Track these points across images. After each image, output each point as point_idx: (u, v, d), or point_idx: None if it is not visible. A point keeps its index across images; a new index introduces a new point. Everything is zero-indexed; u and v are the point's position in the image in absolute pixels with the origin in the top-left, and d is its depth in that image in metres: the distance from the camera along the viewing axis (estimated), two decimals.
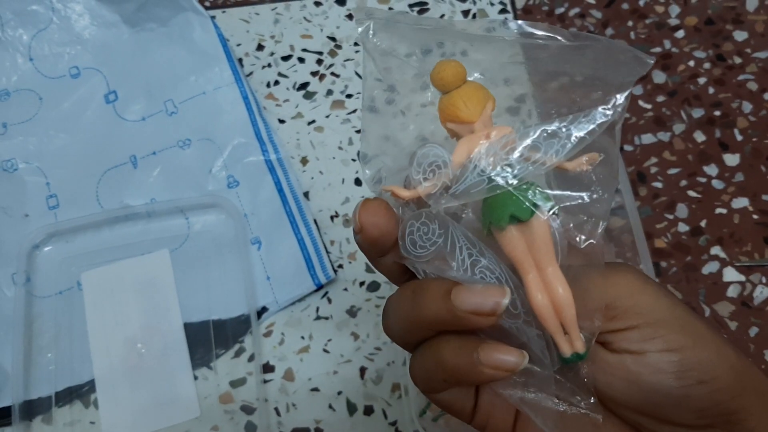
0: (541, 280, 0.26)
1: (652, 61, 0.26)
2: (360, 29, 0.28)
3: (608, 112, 0.26)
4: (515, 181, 0.25)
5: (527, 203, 0.25)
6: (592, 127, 0.26)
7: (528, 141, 0.26)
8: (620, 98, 0.26)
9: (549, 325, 0.26)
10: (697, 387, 0.26)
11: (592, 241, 0.26)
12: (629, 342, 0.26)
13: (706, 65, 0.63)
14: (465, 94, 0.27)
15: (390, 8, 0.66)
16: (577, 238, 0.26)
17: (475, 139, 0.26)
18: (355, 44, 0.64)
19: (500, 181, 0.25)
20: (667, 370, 0.26)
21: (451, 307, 0.25)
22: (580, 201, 0.26)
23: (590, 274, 0.26)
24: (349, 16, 0.66)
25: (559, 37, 0.27)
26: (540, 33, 0.27)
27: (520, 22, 0.27)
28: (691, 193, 0.57)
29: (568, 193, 0.26)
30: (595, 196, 0.26)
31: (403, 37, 0.29)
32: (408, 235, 0.27)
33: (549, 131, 0.26)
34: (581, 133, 0.25)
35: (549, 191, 0.26)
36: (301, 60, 0.64)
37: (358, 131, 0.60)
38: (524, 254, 0.26)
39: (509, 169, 0.25)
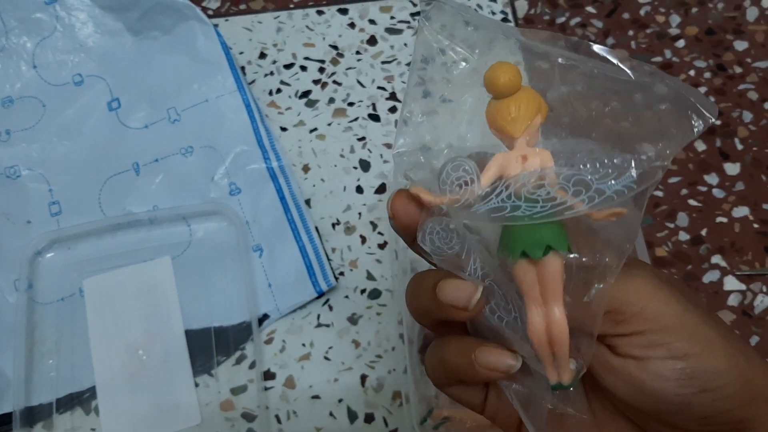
0: (543, 311, 0.26)
1: (713, 118, 0.25)
2: (417, 35, 0.28)
3: (642, 178, 0.25)
4: (536, 218, 0.25)
5: (541, 243, 0.25)
6: (622, 189, 0.25)
7: (559, 181, 0.25)
8: (663, 163, 0.25)
9: (540, 353, 0.26)
10: (700, 395, 0.26)
11: (601, 285, 0.26)
12: (633, 347, 0.26)
13: (707, 75, 0.63)
14: (514, 106, 0.26)
15: (392, 17, 0.66)
16: (588, 289, 0.26)
17: (509, 160, 0.26)
18: (357, 53, 0.65)
19: (521, 213, 0.25)
20: (669, 377, 0.26)
21: (436, 299, 0.27)
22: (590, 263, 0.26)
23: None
24: (351, 25, 0.66)
25: (623, 67, 0.26)
26: (611, 59, 0.26)
27: (596, 47, 0.27)
28: (692, 202, 0.58)
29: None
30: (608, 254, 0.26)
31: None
32: (428, 234, 0.27)
33: (579, 179, 0.25)
34: (610, 192, 0.25)
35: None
36: (304, 68, 0.64)
37: (360, 139, 0.61)
38: (531, 286, 0.26)
39: (533, 205, 0.25)
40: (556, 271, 0.25)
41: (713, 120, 0.26)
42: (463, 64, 0.28)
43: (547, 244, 0.25)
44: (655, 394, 0.26)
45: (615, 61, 0.26)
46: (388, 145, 0.60)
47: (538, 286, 0.26)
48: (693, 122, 0.26)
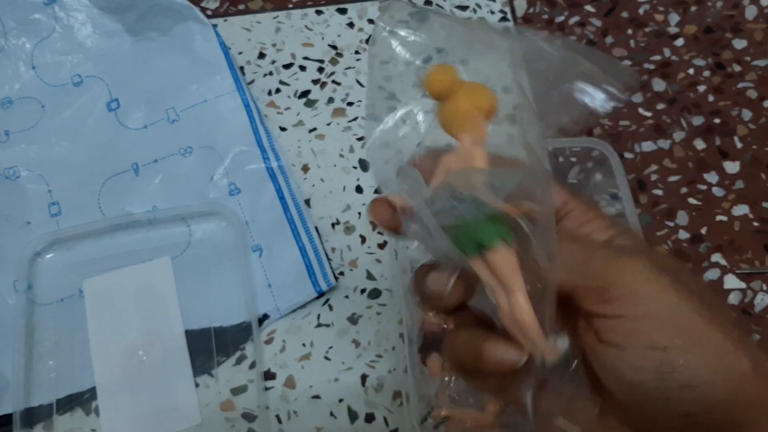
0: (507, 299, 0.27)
1: (626, 97, 0.27)
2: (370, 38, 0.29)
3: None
4: (469, 218, 0.26)
5: (477, 239, 0.26)
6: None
7: (482, 178, 0.26)
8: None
9: (516, 335, 0.27)
10: (680, 390, 0.24)
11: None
12: (615, 334, 0.25)
13: (706, 73, 0.63)
14: (453, 108, 0.27)
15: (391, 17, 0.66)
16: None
17: (450, 162, 0.27)
18: (356, 52, 0.65)
19: (457, 213, 0.26)
20: (647, 368, 0.25)
21: (426, 289, 0.29)
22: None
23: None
24: (350, 25, 0.66)
25: (546, 47, 0.27)
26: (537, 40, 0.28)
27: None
28: (692, 201, 0.58)
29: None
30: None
31: (405, 44, 0.29)
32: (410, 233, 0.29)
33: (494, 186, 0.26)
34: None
35: (523, 221, 0.26)
36: (303, 68, 0.64)
37: (359, 139, 0.61)
38: (490, 278, 0.27)
39: (466, 205, 0.26)
40: (508, 261, 0.26)
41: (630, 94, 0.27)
42: (410, 79, 0.29)
43: (478, 241, 0.26)
44: (633, 385, 0.25)
45: (538, 39, 0.28)
46: None
47: (497, 279, 0.27)
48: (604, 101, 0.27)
